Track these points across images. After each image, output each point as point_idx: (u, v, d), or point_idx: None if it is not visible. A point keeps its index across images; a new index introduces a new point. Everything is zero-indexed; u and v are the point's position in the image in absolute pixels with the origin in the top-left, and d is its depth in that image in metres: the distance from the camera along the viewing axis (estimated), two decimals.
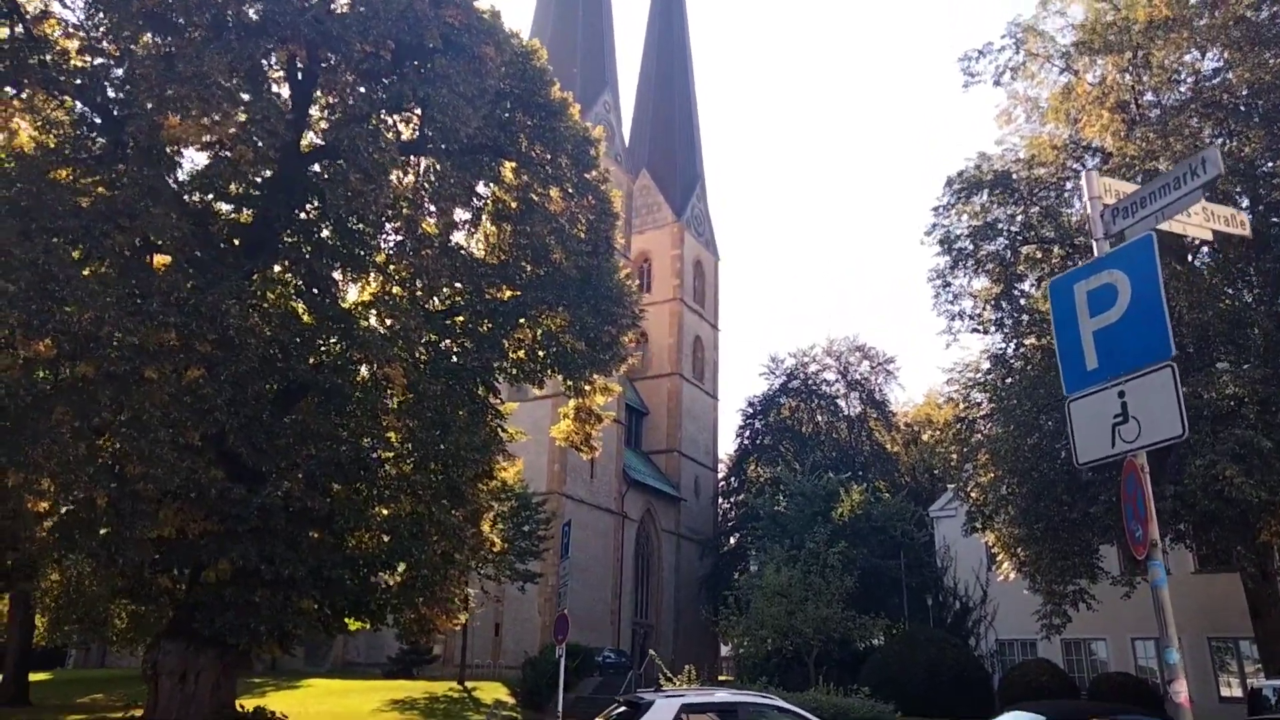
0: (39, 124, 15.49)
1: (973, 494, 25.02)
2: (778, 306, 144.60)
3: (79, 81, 15.77)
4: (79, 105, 16.57)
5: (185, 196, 16.40)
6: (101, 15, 16.04)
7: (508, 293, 19.22)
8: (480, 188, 19.78)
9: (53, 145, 15.00)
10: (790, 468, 47.21)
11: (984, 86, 24.20)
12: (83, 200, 13.93)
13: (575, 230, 19.15)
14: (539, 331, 19.55)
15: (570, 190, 19.33)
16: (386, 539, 16.63)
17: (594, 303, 18.67)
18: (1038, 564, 23.78)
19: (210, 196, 17.08)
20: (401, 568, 16.76)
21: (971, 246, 23.13)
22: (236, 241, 17.06)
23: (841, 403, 61.63)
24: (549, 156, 18.97)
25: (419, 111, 16.53)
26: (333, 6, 15.42)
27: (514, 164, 19.79)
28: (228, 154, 14.42)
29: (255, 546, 15.05)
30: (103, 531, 13.46)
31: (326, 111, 17.55)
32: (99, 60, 16.17)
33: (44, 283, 12.56)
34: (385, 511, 16.96)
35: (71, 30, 16.55)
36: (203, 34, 14.35)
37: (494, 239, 20.56)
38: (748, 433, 61.80)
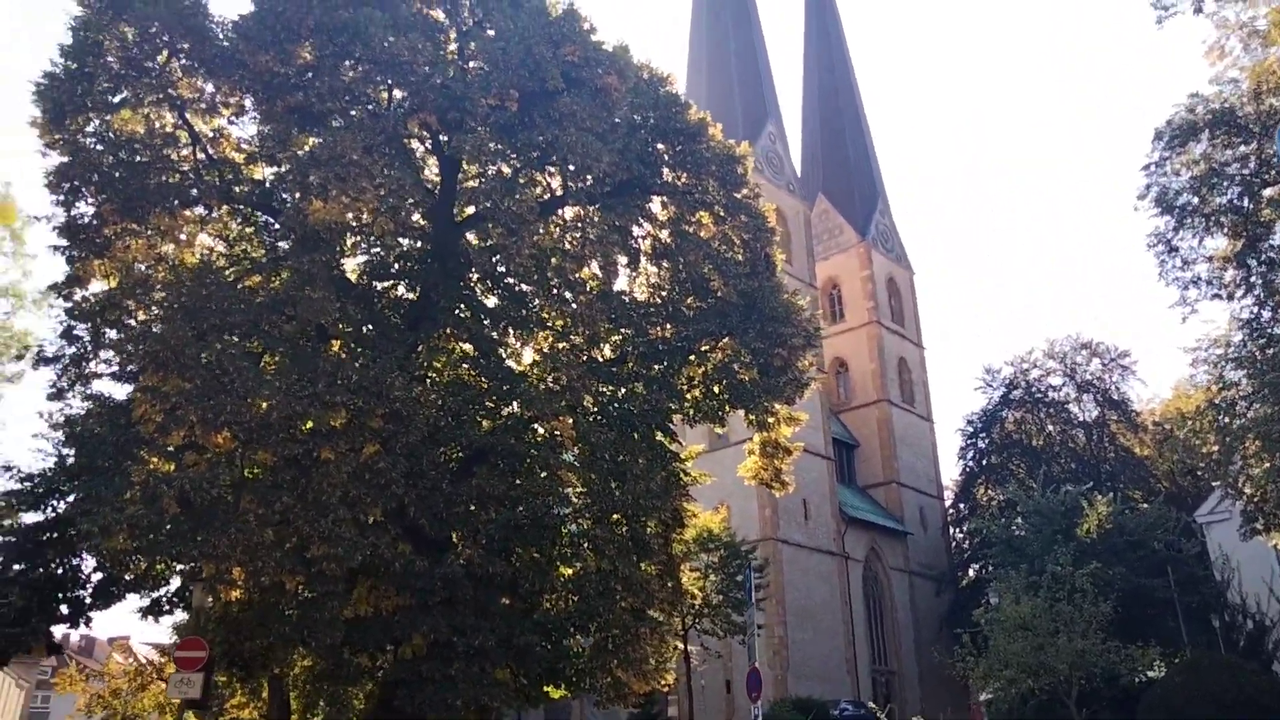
0: (216, 234, 16.53)
1: (1245, 490, 21.28)
2: (987, 314, 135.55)
3: (248, 189, 16.77)
4: (260, 214, 17.67)
5: (350, 278, 16.94)
6: (264, 126, 17.11)
7: (670, 331, 18.43)
8: (633, 229, 19.27)
9: (224, 250, 15.90)
10: (1023, 486, 42.93)
11: (1183, 19, 21.00)
12: (253, 296, 14.57)
13: (731, 253, 18.15)
14: (709, 366, 18.57)
15: (721, 213, 18.40)
16: (574, 599, 16.00)
17: (760, 326, 17.48)
18: None
19: (367, 277, 17.52)
20: (593, 629, 16.03)
21: (1196, 200, 19.97)
22: (401, 316, 17.39)
23: (1074, 408, 55.87)
24: (694, 181, 18.18)
25: (553, 159, 16.27)
26: (462, 67, 15.58)
27: (662, 197, 19.19)
28: (369, 229, 14.65)
29: (446, 618, 14.83)
30: (293, 614, 13.65)
31: (474, 178, 17.79)
32: (270, 169, 17.19)
33: (218, 378, 13.06)
34: (569, 571, 16.38)
35: (245, 145, 17.75)
36: (341, 119, 14.83)
37: (654, 278, 19.95)
38: (971, 453, 57.22)
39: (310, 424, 13.51)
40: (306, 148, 14.56)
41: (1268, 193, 20.69)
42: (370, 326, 16.14)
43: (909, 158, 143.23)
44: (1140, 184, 22.00)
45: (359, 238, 14.77)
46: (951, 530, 57.94)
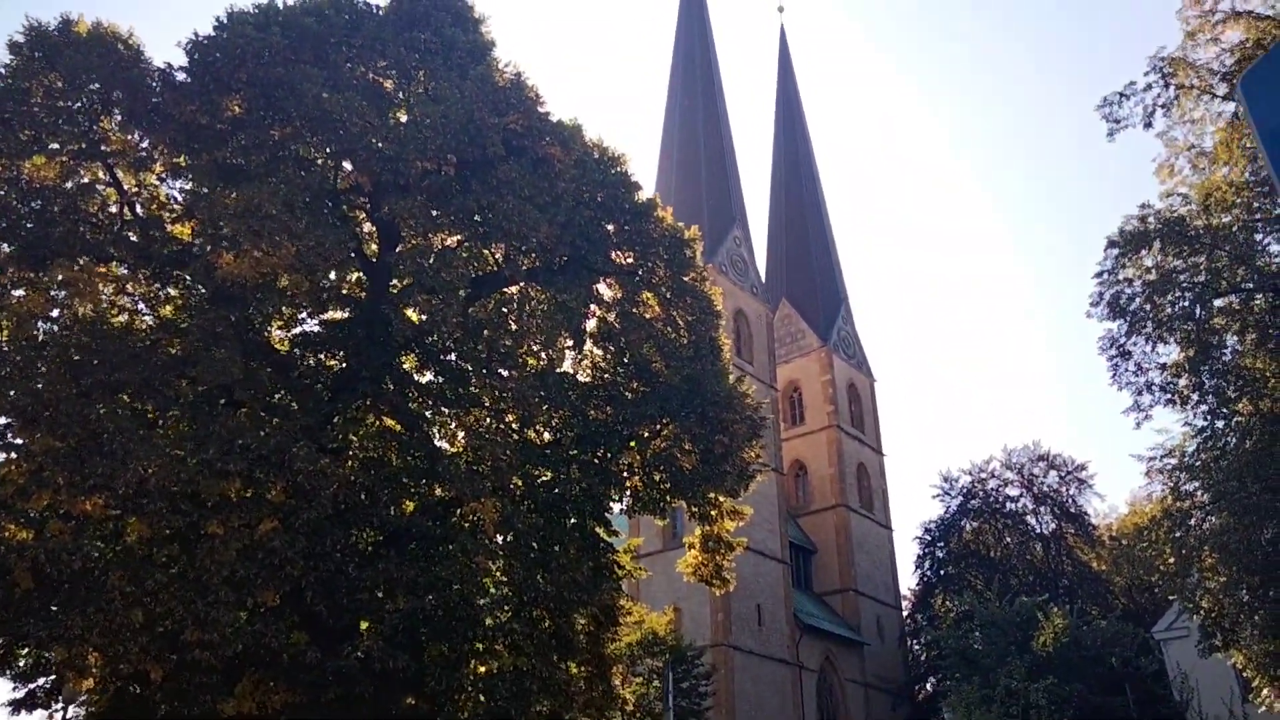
0: (122, 290, 15.54)
1: (1203, 604, 20.45)
2: (946, 420, 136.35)
3: (168, 249, 15.89)
4: (178, 273, 16.75)
5: (274, 344, 15.94)
6: (189, 182, 16.40)
7: (609, 413, 17.53)
8: (581, 310, 18.59)
9: (127, 305, 14.90)
10: (980, 596, 41.82)
11: (1133, 132, 21.33)
12: (151, 354, 13.50)
13: (676, 336, 17.47)
14: (649, 453, 17.63)
15: (667, 295, 17.80)
16: (487, 701, 14.54)
17: (701, 411, 16.64)
18: None
19: (292, 345, 16.54)
20: None
21: (1149, 306, 19.73)
22: (323, 386, 16.35)
23: (1031, 520, 55.28)
24: (641, 261, 17.62)
25: (492, 229, 15.60)
26: (399, 129, 15.02)
27: (609, 279, 18.61)
28: (288, 290, 13.74)
29: (340, 718, 13.35)
30: (161, 709, 12.11)
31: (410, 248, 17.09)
32: (193, 225, 16.36)
33: (96, 439, 11.89)
34: (483, 669, 14.97)
35: (175, 203, 16.99)
36: (267, 176, 14.13)
37: (598, 360, 19.19)
38: (928, 562, 56.14)
39: (198, 493, 12.27)
40: (227, 203, 13.78)
41: (1219, 303, 20.58)
42: (283, 394, 15.05)
43: (871, 266, 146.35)
44: (1093, 290, 21.87)
45: (275, 299, 13.82)
46: (909, 641, 56.30)
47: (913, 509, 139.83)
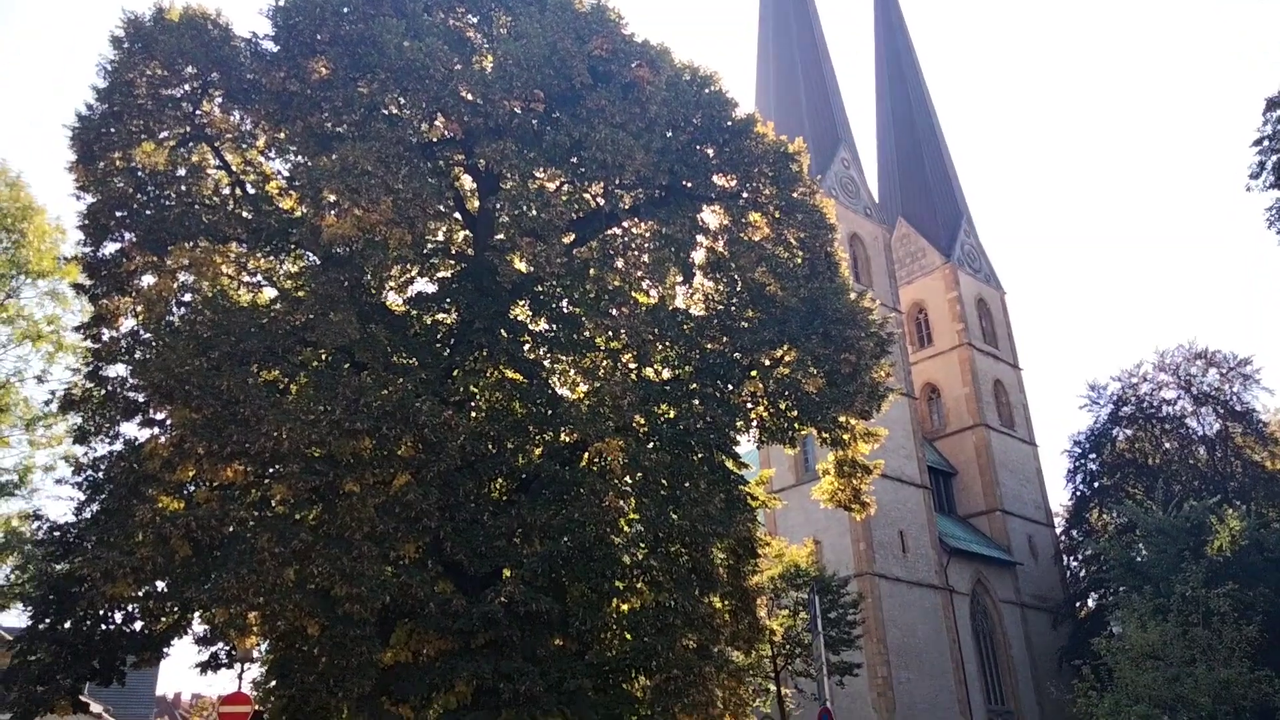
0: (240, 266, 15.96)
1: None
2: (1088, 329, 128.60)
3: (277, 222, 16.18)
4: (288, 244, 17.09)
5: (380, 303, 16.09)
6: (292, 154, 16.62)
7: (727, 344, 16.97)
8: (687, 244, 17.99)
9: (247, 280, 15.27)
10: (1141, 506, 39.41)
11: None
12: (274, 324, 13.80)
13: (789, 256, 16.67)
14: (772, 381, 16.99)
15: (776, 214, 16.97)
16: (631, 638, 14.46)
17: (823, 331, 15.86)
18: None
19: (408, 304, 16.67)
20: (653, 669, 14.41)
21: None
22: (439, 341, 16.44)
23: (1192, 422, 51.56)
24: (745, 181, 16.83)
25: (585, 163, 15.12)
26: (483, 71, 14.68)
27: (713, 206, 17.91)
28: (389, 246, 13.70)
29: (490, 663, 13.52)
30: (322, 662, 12.52)
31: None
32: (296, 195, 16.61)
33: (229, 408, 12.23)
34: (625, 607, 14.88)
35: (274, 177, 17.34)
36: (358, 135, 14.08)
37: (710, 292, 18.59)
38: (1080, 476, 53.27)
39: (331, 453, 12.51)
40: (324, 166, 13.81)
41: None
42: (402, 352, 15.17)
43: (993, 174, 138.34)
44: (1253, 161, 19.78)
45: (383, 257, 13.84)
46: (1065, 559, 54.00)
47: (1059, 423, 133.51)
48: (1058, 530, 55.11)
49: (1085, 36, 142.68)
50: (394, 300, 18.04)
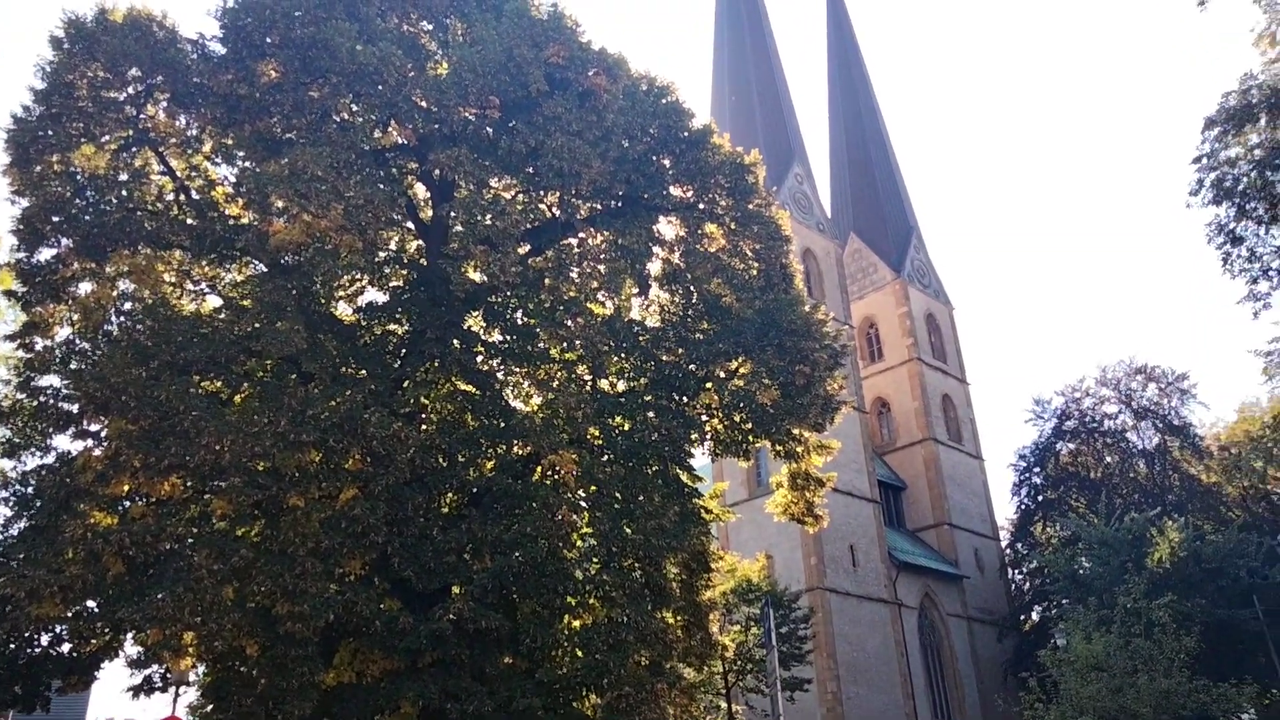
0: (183, 272, 15.46)
1: None
2: (1033, 344, 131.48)
3: (222, 228, 15.72)
4: (233, 251, 16.61)
5: (329, 312, 15.69)
6: (235, 160, 16.18)
7: (682, 355, 16.88)
8: (644, 255, 17.90)
9: (190, 288, 14.79)
10: (1085, 518, 40.23)
11: (1221, 7, 19.42)
12: (217, 333, 13.35)
13: (744, 267, 16.67)
14: (727, 393, 16.95)
15: (732, 226, 16.98)
16: (583, 655, 14.21)
17: (778, 342, 15.86)
18: None
19: (357, 314, 16.29)
20: (605, 687, 14.18)
21: (1259, 185, 18.10)
22: (389, 352, 16.08)
23: (1132, 437, 52.95)
24: (702, 193, 16.80)
25: (541, 171, 14.96)
26: (437, 76, 14.43)
27: (669, 217, 17.86)
28: (339, 254, 13.36)
29: (438, 683, 13.19)
30: (261, 684, 12.07)
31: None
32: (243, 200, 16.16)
33: (168, 420, 11.78)
34: (577, 624, 14.64)
35: (221, 183, 16.85)
36: (308, 140, 13.76)
37: (666, 303, 18.52)
38: (1025, 490, 54.34)
39: (275, 466, 12.10)
40: (273, 172, 13.44)
41: None
42: (351, 363, 14.80)
43: (942, 190, 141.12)
44: (1192, 178, 20.29)
45: (332, 265, 13.47)
46: (1010, 572, 54.89)
47: (1006, 437, 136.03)
48: (1003, 544, 55.99)
49: (1033, 55, 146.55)
50: (344, 310, 17.64)
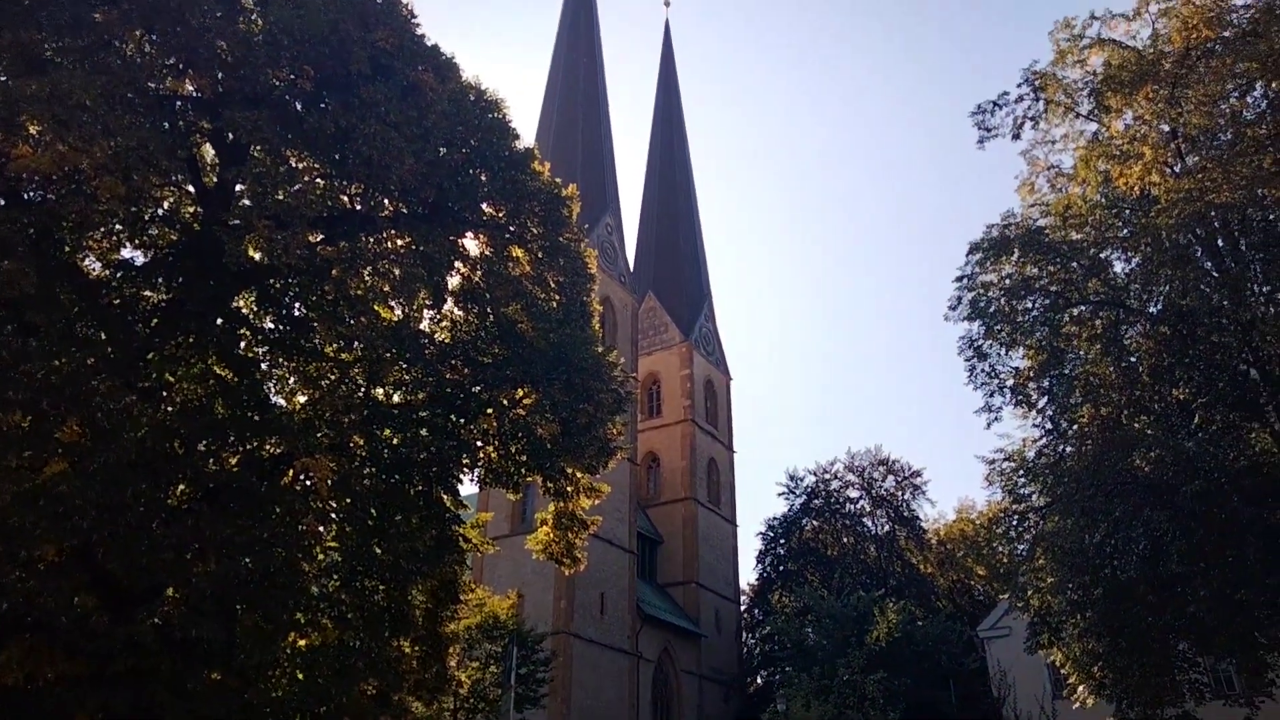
0: None
1: (1033, 602, 21.20)
2: (794, 423, 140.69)
3: None
4: None
5: (73, 263, 13.79)
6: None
7: (466, 374, 16.29)
8: (444, 268, 17.20)
9: None
10: (817, 593, 42.84)
11: (1002, 142, 21.83)
12: None
13: (546, 297, 16.42)
14: (507, 422, 16.49)
15: (539, 254, 16.71)
16: (303, 678, 13.05)
17: (566, 378, 15.66)
18: (1122, 685, 19.75)
19: (96, 263, 14.45)
20: (323, 715, 13.06)
21: (1006, 308, 20.23)
22: (138, 320, 14.34)
23: (868, 521, 57.49)
24: (515, 215, 16.44)
25: (348, 159, 14.02)
26: (250, 32, 13.21)
27: (478, 235, 17.33)
28: (96, 196, 11.74)
29: (129, 693, 11.60)
30: None
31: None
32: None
33: None
34: (303, 643, 13.47)
35: None
36: (77, 62, 12.10)
37: (459, 320, 17.87)
38: (769, 559, 57.45)
39: None
40: (28, 91, 11.69)
41: (1070, 312, 21.36)
42: (90, 322, 13.05)
43: (735, 266, 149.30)
44: (953, 294, 22.33)
45: (83, 208, 11.78)
46: (745, 635, 57.37)
47: (758, 506, 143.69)
48: (742, 607, 58.53)
49: (845, 150, 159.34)
50: (91, 264, 15.61)
